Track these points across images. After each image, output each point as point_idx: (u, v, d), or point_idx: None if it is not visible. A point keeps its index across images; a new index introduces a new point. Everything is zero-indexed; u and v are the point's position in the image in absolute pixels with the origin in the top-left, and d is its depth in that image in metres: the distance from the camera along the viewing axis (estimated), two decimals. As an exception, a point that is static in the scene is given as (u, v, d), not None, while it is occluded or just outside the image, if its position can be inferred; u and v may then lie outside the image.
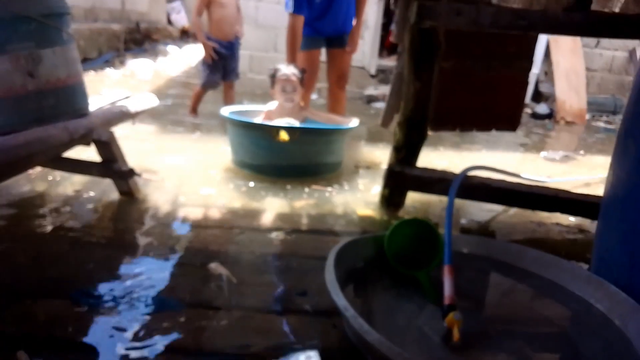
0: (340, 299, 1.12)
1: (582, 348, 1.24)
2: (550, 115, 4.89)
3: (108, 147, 1.76)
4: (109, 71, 5.62)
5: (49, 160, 1.84)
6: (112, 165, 1.81)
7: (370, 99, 4.99)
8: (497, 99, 2.37)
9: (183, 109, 3.92)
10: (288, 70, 2.68)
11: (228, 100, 3.68)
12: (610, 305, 1.30)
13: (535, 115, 4.90)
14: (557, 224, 2.14)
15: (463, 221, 2.11)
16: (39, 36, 1.52)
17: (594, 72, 5.54)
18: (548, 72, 5.27)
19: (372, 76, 5.47)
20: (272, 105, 2.76)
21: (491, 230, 2.07)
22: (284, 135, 2.34)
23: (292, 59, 2.95)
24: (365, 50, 5.33)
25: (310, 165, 2.51)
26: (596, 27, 1.57)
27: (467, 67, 2.27)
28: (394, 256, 1.51)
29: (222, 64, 3.51)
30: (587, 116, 4.93)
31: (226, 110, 2.67)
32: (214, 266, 1.49)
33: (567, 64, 5.11)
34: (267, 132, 2.36)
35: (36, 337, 1.13)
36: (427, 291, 1.41)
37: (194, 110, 3.64)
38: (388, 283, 1.47)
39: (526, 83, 2.43)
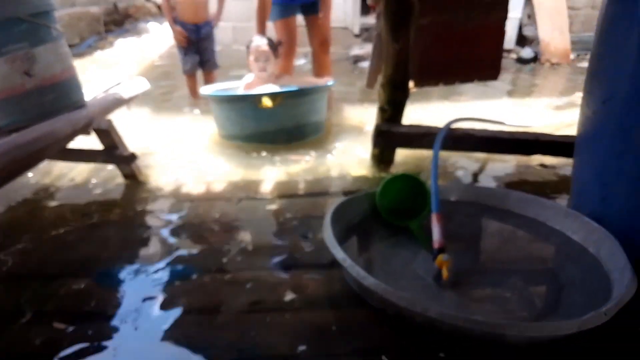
0: (338, 252, 1.24)
1: (562, 276, 1.37)
2: (535, 59, 4.93)
3: (108, 135, 1.85)
4: (93, 56, 5.62)
5: (56, 153, 1.93)
6: (114, 151, 1.91)
7: (357, 59, 5.02)
8: (477, 49, 2.44)
9: (173, 88, 3.97)
10: (260, 41, 2.78)
11: (208, 84, 3.71)
12: (585, 235, 1.43)
13: (520, 60, 4.94)
14: (542, 164, 2.26)
15: (458, 173, 2.22)
16: (30, 36, 1.59)
17: (578, 10, 5.53)
18: (531, 14, 5.27)
19: (356, 35, 5.47)
20: (250, 77, 2.85)
21: (481, 178, 2.19)
22: (266, 102, 2.45)
23: (261, 29, 2.99)
24: (347, 9, 5.31)
25: (297, 127, 2.63)
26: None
27: (444, 21, 2.33)
28: (387, 210, 1.63)
29: (195, 48, 3.48)
30: (572, 56, 4.97)
31: (208, 90, 2.75)
32: (234, 234, 1.62)
33: (550, 3, 5.10)
34: (251, 102, 2.48)
35: (70, 312, 1.25)
36: (420, 238, 1.54)
37: (195, 95, 3.61)
38: (384, 234, 1.59)
39: (504, 31, 2.49)
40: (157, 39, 7.33)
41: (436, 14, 2.29)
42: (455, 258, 1.35)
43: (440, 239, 1.41)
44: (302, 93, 2.61)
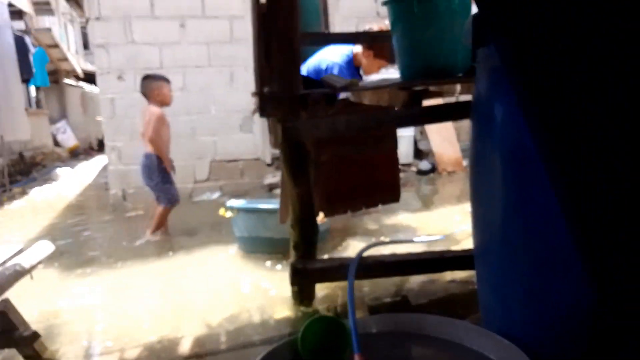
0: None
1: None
2: (433, 169, 5.40)
3: (5, 317, 1.71)
4: (-5, 214, 5.33)
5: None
6: (12, 334, 1.75)
7: (271, 187, 5.21)
8: (374, 177, 2.66)
9: (88, 239, 3.84)
10: None
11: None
12: (500, 354, 1.48)
13: (420, 172, 5.38)
14: (452, 280, 2.38)
15: (378, 299, 2.26)
16: None
17: (462, 123, 6.25)
18: (422, 131, 5.87)
19: (269, 165, 5.73)
20: None
21: (399, 301, 2.24)
22: (223, 212, 3.07)
23: None
24: (257, 142, 5.63)
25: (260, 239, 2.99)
26: (429, 117, 1.89)
27: (341, 156, 2.55)
28: (312, 355, 1.60)
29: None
30: (465, 163, 5.51)
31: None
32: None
33: (437, 120, 5.74)
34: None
35: None
36: (347, 382, 1.51)
37: (166, 229, 3.69)
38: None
39: (396, 159, 2.75)
40: (69, 183, 7.16)
41: (333, 150, 2.50)
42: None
43: (364, 382, 1.40)
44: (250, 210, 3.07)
